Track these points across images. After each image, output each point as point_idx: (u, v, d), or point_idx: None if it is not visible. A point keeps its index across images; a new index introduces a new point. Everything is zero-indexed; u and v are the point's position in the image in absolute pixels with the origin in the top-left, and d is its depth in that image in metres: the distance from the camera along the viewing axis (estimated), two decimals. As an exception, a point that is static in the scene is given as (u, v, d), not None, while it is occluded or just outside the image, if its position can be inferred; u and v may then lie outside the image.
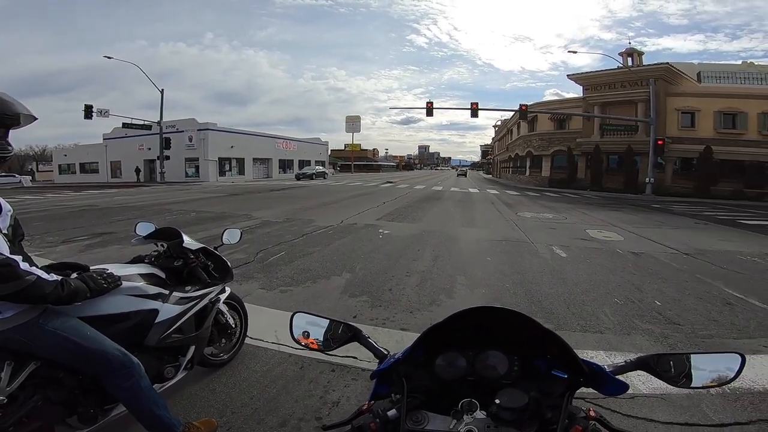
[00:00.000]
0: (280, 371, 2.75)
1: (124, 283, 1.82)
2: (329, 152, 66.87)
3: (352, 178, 42.10)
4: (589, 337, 3.52)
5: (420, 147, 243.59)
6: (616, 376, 0.90)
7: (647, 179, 24.20)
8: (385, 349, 1.08)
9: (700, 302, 4.52)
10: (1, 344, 1.45)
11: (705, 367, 0.86)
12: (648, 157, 24.29)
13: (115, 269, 1.88)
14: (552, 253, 6.88)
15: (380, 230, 8.70)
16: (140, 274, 2.00)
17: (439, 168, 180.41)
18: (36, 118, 1.56)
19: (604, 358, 3.05)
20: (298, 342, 1.13)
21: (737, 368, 0.85)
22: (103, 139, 44.19)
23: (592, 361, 0.92)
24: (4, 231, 1.44)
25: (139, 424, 1.73)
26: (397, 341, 3.26)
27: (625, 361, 0.94)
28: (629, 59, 30.48)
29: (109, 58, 29.70)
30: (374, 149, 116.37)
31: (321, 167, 46.71)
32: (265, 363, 2.84)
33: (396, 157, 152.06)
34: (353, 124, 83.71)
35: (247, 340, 2.99)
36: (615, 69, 28.75)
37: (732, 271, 6.02)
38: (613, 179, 27.66)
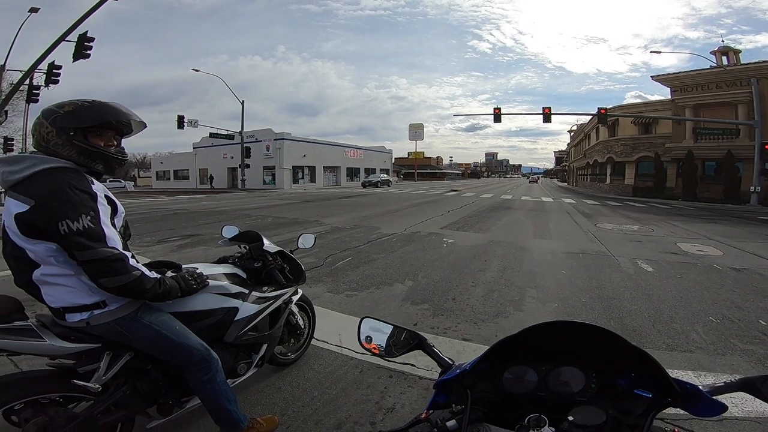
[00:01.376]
0: (341, 374, 2.79)
1: (210, 282, 1.92)
2: (393, 160, 67.68)
3: (415, 186, 42.14)
4: (677, 356, 3.17)
5: (487, 154, 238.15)
6: (714, 397, 0.82)
7: (752, 188, 21.55)
8: (450, 358, 1.05)
9: (819, 325, 3.87)
10: (104, 335, 1.58)
11: None
12: (753, 163, 21.62)
13: (204, 269, 2.00)
14: (636, 267, 6.28)
15: (444, 239, 8.57)
16: (225, 274, 2.13)
17: (507, 176, 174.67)
18: (146, 125, 1.75)
19: (691, 378, 2.73)
20: (362, 346, 1.14)
21: None
22: (193, 147, 48.84)
23: (683, 380, 0.83)
24: (118, 229, 1.59)
25: (207, 417, 1.83)
26: (458, 351, 3.17)
27: (725, 382, 0.84)
28: (724, 58, 27.40)
29: (196, 71, 32.73)
30: (438, 157, 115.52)
31: (385, 175, 47.46)
32: (327, 365, 2.90)
33: (461, 164, 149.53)
34: (416, 132, 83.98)
35: (313, 341, 3.08)
36: (708, 69, 25.99)
37: None
38: (710, 188, 24.81)
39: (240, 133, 35.35)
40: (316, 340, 3.14)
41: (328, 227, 10.10)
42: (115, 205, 1.60)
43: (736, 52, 27.90)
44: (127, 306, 1.60)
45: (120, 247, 1.49)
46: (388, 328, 1.12)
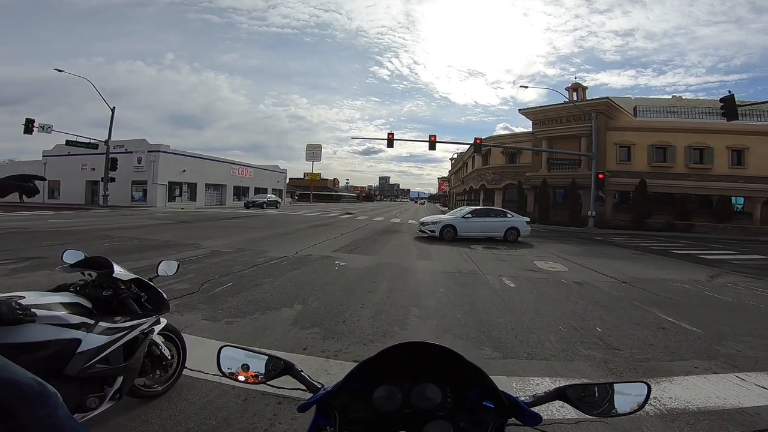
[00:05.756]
0: (221, 403, 2.61)
1: (43, 312, 1.74)
2: (287, 180, 66.09)
3: (310, 208, 41.69)
4: (536, 364, 3.61)
5: (381, 178, 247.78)
6: (536, 407, 0.94)
7: (590, 212, 25.38)
8: (319, 382, 1.06)
9: (637, 328, 4.81)
10: None
11: (626, 395, 0.92)
12: (590, 190, 25.43)
13: (34, 297, 1.79)
14: (501, 283, 7.08)
15: (336, 262, 8.62)
16: (62, 303, 1.91)
17: (398, 200, 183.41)
18: None
19: (549, 385, 3.14)
20: (231, 376, 1.08)
21: (645, 396, 0.92)
22: (43, 156, 41.36)
23: (519, 394, 0.96)
24: None
25: None
26: (348, 373, 3.19)
27: (545, 392, 0.97)
28: (574, 94, 32.05)
29: (59, 71, 28.25)
30: (335, 179, 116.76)
31: (273, 196, 45.20)
32: (205, 395, 2.69)
33: (356, 187, 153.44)
34: (314, 152, 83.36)
35: (188, 372, 2.85)
36: (561, 104, 30.35)
37: (665, 298, 6.49)
38: (560, 213, 28.78)
39: (106, 142, 31.02)
40: (192, 370, 2.90)
41: (207, 251, 9.38)
42: None
43: (584, 88, 32.94)
44: None
45: None
46: (259, 356, 1.09)
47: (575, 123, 29.52)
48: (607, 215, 27.85)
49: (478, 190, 40.09)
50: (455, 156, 68.46)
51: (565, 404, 0.95)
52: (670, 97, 46.82)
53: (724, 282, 8.32)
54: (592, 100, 30.08)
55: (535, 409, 0.93)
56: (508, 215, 16.52)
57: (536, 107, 32.96)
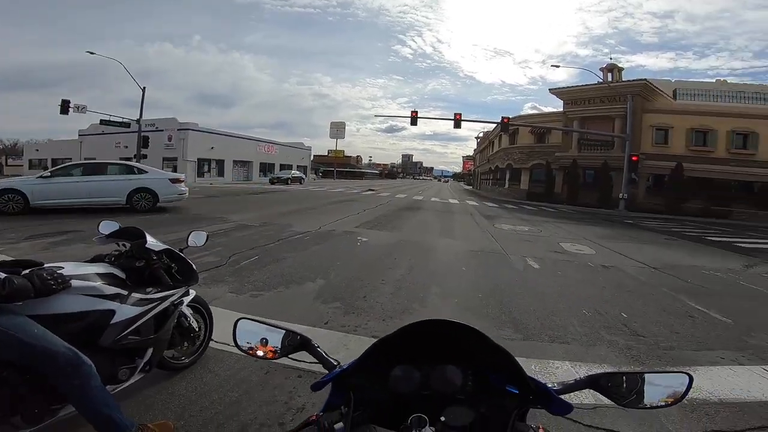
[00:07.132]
0: (243, 376, 2.70)
1: (80, 283, 1.78)
2: (312, 157, 66.56)
3: (333, 185, 41.89)
4: (557, 348, 3.57)
5: (403, 156, 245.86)
6: (564, 395, 0.88)
7: (621, 195, 24.71)
8: (335, 359, 1.03)
9: (664, 314, 4.67)
10: None
11: (656, 386, 0.85)
12: (623, 173, 24.84)
13: (73, 268, 1.84)
14: (526, 264, 6.99)
15: (359, 238, 8.69)
16: (98, 274, 1.96)
17: (420, 177, 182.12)
18: None
19: (569, 369, 3.10)
20: (250, 351, 1.06)
21: (685, 388, 0.84)
22: (79, 135, 43.02)
23: (537, 378, 0.90)
24: None
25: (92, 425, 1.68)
26: (367, 349, 3.24)
27: (575, 380, 0.91)
28: (609, 75, 30.97)
29: (91, 53, 29.11)
30: (357, 156, 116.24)
31: (298, 172, 45.74)
32: (229, 367, 2.79)
33: (379, 165, 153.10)
34: (338, 130, 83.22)
35: (213, 344, 2.93)
36: (596, 84, 29.27)
37: (696, 285, 6.25)
38: (589, 194, 28.10)
39: (138, 121, 31.87)
40: (217, 342, 2.98)
41: (234, 224, 9.61)
42: None
43: (620, 69, 31.76)
44: None
45: None
46: (278, 330, 1.06)
47: (609, 104, 28.49)
48: (640, 198, 26.89)
49: (505, 169, 39.35)
50: (481, 135, 66.95)
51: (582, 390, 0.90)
52: (714, 80, 43.76)
53: (760, 272, 7.93)
54: (629, 81, 28.86)
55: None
56: (140, 171, 11.45)
57: (568, 87, 31.86)
